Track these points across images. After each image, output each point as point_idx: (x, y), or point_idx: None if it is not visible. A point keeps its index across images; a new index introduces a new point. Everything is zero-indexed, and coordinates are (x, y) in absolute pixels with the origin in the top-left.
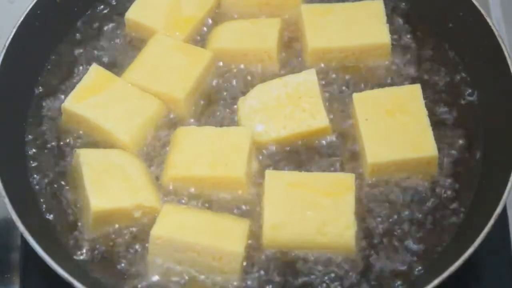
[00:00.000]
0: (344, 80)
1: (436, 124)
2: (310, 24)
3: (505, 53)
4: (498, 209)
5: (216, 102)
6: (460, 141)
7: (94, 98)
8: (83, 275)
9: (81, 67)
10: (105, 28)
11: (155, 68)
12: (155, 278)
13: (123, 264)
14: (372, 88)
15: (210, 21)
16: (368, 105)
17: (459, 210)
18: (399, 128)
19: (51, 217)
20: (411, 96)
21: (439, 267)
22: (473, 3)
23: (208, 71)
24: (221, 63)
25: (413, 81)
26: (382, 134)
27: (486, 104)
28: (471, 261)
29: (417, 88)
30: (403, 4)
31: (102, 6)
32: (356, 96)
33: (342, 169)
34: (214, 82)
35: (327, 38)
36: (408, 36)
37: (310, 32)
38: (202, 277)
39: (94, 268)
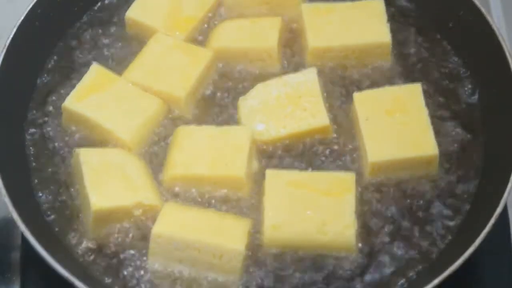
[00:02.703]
0: (344, 80)
1: (437, 123)
2: (311, 23)
3: (506, 52)
4: (498, 209)
5: (216, 101)
6: (460, 141)
7: (94, 97)
8: (84, 274)
9: (81, 67)
10: (105, 27)
11: (156, 67)
12: (156, 276)
13: (123, 263)
14: (372, 87)
15: (210, 20)
16: (368, 104)
17: (459, 209)
18: (400, 128)
19: (51, 216)
20: (412, 96)
21: (439, 267)
22: (473, 2)
23: (209, 71)
24: (221, 63)
25: (413, 80)
26: (383, 133)
27: (486, 104)
28: (471, 261)
29: (417, 88)
30: (404, 3)
31: (102, 6)
32: (356, 95)
33: (343, 169)
34: (215, 82)
35: (327, 38)
36: (409, 35)
37: (311, 31)
38: (203, 275)
39: (95, 268)
